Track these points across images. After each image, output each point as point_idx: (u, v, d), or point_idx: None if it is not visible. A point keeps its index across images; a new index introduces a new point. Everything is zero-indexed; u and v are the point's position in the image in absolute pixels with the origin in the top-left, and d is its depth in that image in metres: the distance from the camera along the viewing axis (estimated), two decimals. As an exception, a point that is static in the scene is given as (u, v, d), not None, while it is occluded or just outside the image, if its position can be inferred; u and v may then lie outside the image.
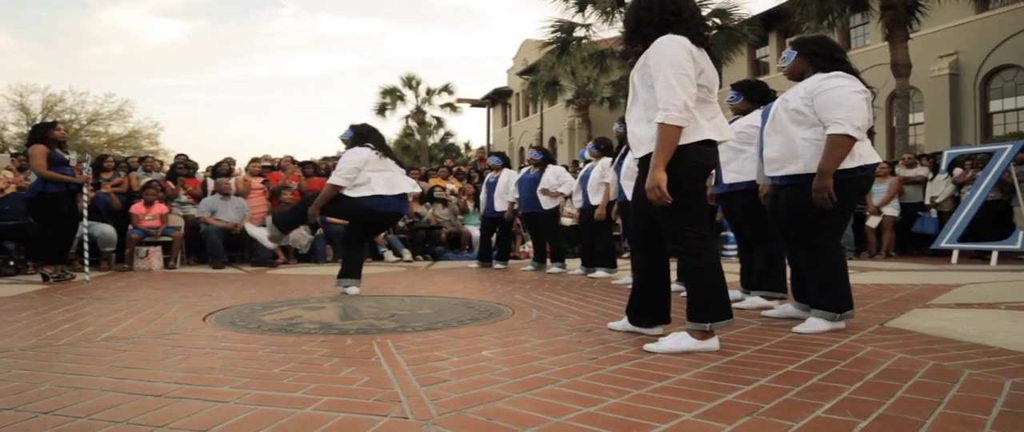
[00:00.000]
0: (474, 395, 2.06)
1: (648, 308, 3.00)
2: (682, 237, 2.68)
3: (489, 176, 7.94)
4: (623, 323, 3.13)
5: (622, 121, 5.50)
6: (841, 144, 2.95)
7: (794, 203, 3.18)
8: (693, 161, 2.63)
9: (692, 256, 2.69)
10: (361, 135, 5.00)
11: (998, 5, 14.49)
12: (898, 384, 2.14)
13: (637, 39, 2.74)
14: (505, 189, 7.53)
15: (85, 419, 1.84)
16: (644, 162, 2.73)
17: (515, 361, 2.55)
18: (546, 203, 7.09)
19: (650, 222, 2.85)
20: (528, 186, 7.19)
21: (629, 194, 5.10)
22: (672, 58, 2.55)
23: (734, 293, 4.80)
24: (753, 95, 4.19)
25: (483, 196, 7.94)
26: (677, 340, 2.67)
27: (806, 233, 3.18)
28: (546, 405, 1.94)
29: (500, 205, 7.58)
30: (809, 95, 3.11)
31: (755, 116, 3.98)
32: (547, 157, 7.39)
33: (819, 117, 3.05)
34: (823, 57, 3.17)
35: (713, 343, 2.67)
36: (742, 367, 2.41)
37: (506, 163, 7.98)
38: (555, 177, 7.12)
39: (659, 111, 2.54)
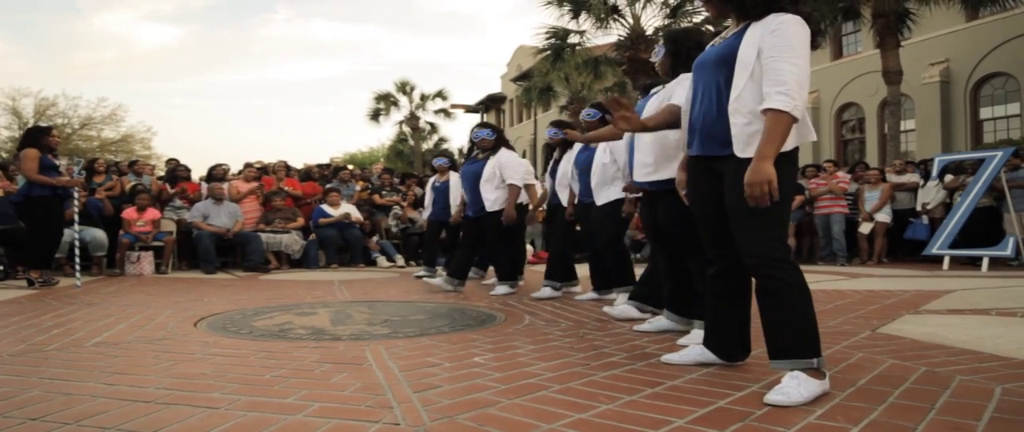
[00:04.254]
0: (466, 401, 2.06)
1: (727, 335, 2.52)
2: (774, 245, 2.18)
3: (435, 179, 7.29)
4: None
5: (557, 124, 5.36)
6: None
7: (678, 208, 2.81)
8: (794, 163, 2.27)
9: (788, 270, 2.17)
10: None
11: (988, 13, 14.61)
12: (889, 390, 2.14)
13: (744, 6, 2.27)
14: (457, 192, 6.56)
15: (74, 425, 1.83)
16: (720, 163, 2.26)
17: (507, 367, 2.54)
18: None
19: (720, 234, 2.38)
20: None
21: (564, 199, 4.95)
22: (804, 42, 2.12)
23: (590, 295, 4.67)
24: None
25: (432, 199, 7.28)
26: (805, 387, 2.03)
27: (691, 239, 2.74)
28: (538, 411, 1.94)
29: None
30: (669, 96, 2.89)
31: None
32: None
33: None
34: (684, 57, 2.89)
35: (826, 381, 2.13)
36: (735, 373, 2.41)
37: (453, 166, 7.30)
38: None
39: (780, 95, 2.03)
